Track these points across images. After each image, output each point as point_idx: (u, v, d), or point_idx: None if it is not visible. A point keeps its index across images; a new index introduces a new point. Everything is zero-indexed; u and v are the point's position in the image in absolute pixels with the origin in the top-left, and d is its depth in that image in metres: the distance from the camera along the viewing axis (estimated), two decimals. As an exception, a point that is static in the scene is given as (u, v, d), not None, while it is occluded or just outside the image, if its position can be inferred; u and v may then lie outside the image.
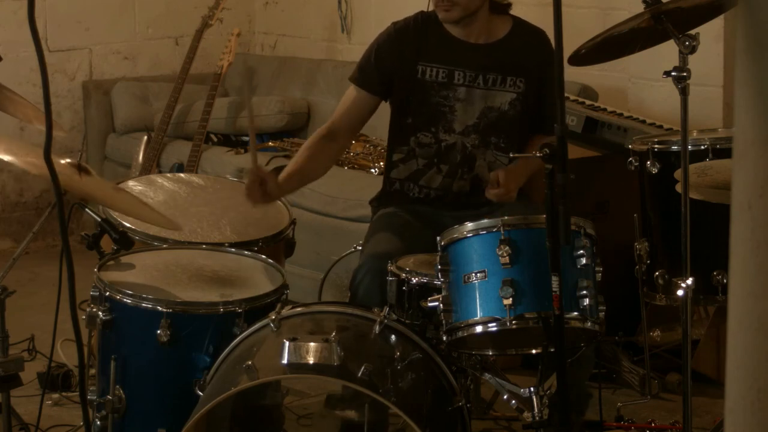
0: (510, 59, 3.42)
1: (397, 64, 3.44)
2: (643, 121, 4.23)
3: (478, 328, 2.69)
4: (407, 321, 2.83)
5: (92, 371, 3.20)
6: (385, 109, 3.56)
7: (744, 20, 1.14)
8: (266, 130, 5.66)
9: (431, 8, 3.42)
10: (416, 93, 3.43)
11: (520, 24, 3.49)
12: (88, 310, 2.92)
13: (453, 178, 3.45)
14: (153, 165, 5.41)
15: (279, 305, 2.83)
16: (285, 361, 2.56)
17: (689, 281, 2.95)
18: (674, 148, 3.44)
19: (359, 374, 2.53)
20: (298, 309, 2.82)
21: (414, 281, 2.91)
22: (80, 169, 2.98)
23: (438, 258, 2.79)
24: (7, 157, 2.93)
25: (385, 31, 3.50)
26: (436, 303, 2.76)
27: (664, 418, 3.63)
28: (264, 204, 3.32)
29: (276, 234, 3.38)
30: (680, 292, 2.98)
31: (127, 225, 3.25)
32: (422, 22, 3.45)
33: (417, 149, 3.46)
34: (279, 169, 3.47)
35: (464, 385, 2.85)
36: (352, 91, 3.48)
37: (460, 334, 2.73)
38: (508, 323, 2.65)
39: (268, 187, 3.27)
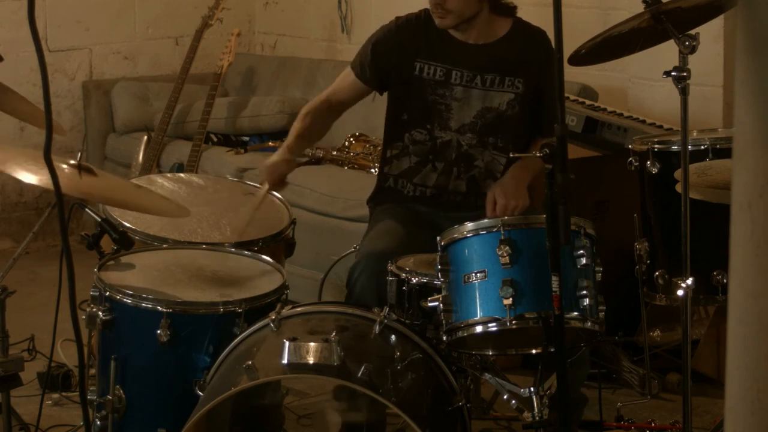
0: (509, 60, 3.42)
1: (394, 60, 3.45)
2: (643, 121, 4.22)
3: (478, 328, 2.69)
4: (407, 321, 2.83)
5: (92, 371, 3.20)
6: (384, 108, 3.56)
7: (744, 20, 1.13)
8: (266, 130, 5.66)
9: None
10: (412, 89, 3.43)
11: (519, 24, 3.48)
12: (88, 310, 2.92)
13: (449, 176, 3.46)
14: (153, 165, 5.41)
15: (279, 305, 2.83)
16: (285, 361, 2.56)
17: (689, 281, 2.95)
18: (674, 148, 3.44)
19: (359, 374, 2.53)
20: (298, 309, 2.82)
21: (414, 281, 2.91)
22: (83, 169, 2.97)
23: (438, 258, 2.79)
24: (7, 170, 2.92)
25: (386, 25, 3.51)
26: (436, 303, 2.76)
27: (664, 418, 3.63)
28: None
29: (276, 234, 3.38)
30: (680, 292, 2.98)
31: (127, 225, 3.25)
32: (425, 19, 3.45)
33: (411, 146, 3.47)
34: None
35: (464, 385, 2.85)
36: (349, 75, 3.53)
37: (460, 334, 2.73)
38: (508, 323, 2.65)
39: (286, 173, 3.48)
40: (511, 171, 3.39)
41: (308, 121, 3.54)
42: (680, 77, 2.95)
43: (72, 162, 2.98)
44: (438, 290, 2.78)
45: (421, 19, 3.46)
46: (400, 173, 3.50)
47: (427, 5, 3.41)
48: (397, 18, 3.50)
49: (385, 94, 3.54)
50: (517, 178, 3.35)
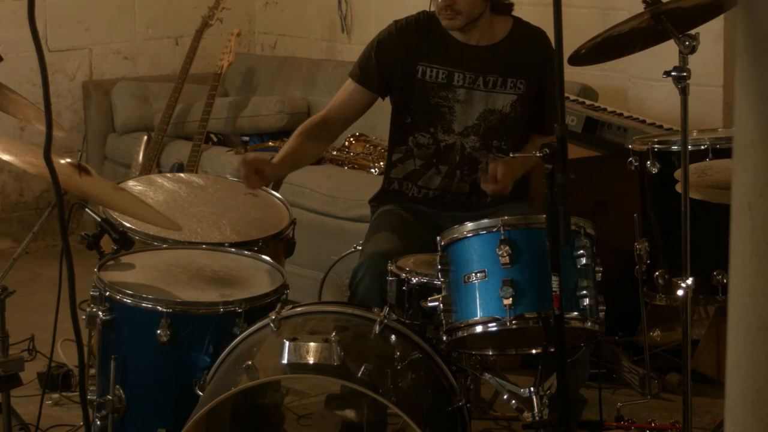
0: (510, 61, 3.41)
1: (397, 63, 3.43)
2: (643, 121, 4.22)
3: (478, 328, 2.69)
4: (407, 321, 2.83)
5: (92, 371, 3.20)
6: (385, 109, 3.56)
7: (744, 20, 1.14)
8: (266, 130, 5.66)
9: (433, 8, 3.41)
10: (415, 93, 3.42)
11: (520, 24, 3.48)
12: (88, 310, 2.92)
13: (452, 179, 3.45)
14: (153, 165, 5.41)
15: (279, 305, 2.83)
16: (285, 361, 2.56)
17: (689, 281, 2.95)
18: (674, 148, 3.44)
19: (359, 374, 2.53)
20: (298, 309, 2.82)
21: (414, 281, 2.91)
22: (80, 169, 2.98)
23: (438, 258, 2.78)
24: (6, 157, 2.93)
25: (386, 29, 3.49)
26: (436, 303, 2.76)
27: (664, 418, 3.63)
28: (262, 184, 3.39)
29: (276, 234, 3.38)
30: (680, 292, 2.98)
31: (127, 225, 3.25)
32: (424, 21, 3.44)
33: (415, 149, 3.46)
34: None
35: (464, 385, 2.85)
36: (350, 85, 3.48)
37: (460, 334, 2.72)
38: (508, 323, 2.65)
39: (265, 171, 3.33)
40: (513, 160, 3.38)
41: (298, 142, 3.48)
42: (680, 77, 2.95)
43: (69, 161, 2.98)
44: (438, 290, 2.78)
45: (421, 21, 3.44)
46: (405, 176, 3.49)
47: (427, 6, 3.40)
48: (396, 21, 3.48)
49: (387, 99, 3.52)
50: (516, 168, 3.33)
